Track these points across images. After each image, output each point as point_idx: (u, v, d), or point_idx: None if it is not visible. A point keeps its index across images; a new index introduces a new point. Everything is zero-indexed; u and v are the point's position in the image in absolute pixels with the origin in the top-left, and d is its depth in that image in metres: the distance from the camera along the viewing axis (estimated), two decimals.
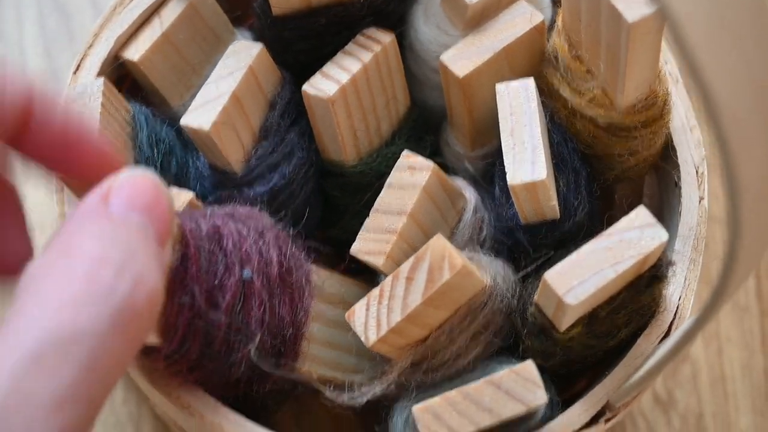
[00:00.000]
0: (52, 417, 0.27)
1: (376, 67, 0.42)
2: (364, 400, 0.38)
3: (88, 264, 0.28)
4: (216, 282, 0.35)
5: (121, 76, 0.44)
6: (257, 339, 0.36)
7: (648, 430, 0.61)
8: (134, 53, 0.43)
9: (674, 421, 0.61)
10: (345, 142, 0.43)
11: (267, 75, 0.42)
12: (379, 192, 0.41)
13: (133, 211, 0.31)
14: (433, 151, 0.47)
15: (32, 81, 0.34)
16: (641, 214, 0.37)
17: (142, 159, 0.42)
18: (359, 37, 0.43)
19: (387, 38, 0.43)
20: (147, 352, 0.35)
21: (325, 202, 0.47)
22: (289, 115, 0.43)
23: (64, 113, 0.34)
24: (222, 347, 0.36)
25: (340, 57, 0.42)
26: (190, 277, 0.35)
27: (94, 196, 0.31)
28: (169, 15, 0.43)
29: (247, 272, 0.36)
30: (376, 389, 0.38)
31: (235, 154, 0.42)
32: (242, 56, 0.41)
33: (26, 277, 0.29)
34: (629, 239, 0.37)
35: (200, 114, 0.40)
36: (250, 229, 0.37)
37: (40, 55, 0.64)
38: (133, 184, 0.32)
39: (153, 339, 0.34)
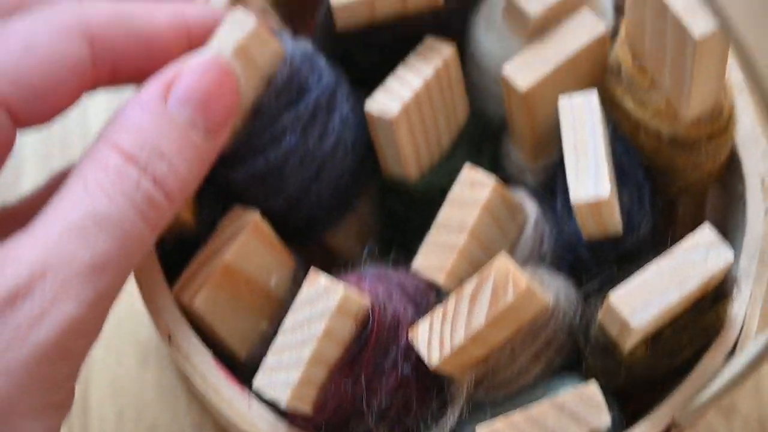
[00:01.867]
0: (88, 280, 0.32)
1: (437, 81, 0.42)
2: None
3: (120, 160, 0.34)
4: (380, 373, 0.37)
5: None
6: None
7: None
8: None
9: (735, 426, 0.60)
10: (407, 159, 0.43)
11: (263, 50, 0.39)
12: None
13: (186, 105, 0.35)
14: (492, 160, 0.47)
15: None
16: (706, 233, 0.37)
17: None
18: (420, 48, 0.42)
19: (448, 50, 0.42)
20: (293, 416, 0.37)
21: (392, 220, 0.46)
22: (286, 95, 0.40)
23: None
24: (355, 426, 0.37)
25: (401, 71, 0.41)
26: (361, 363, 0.36)
27: (155, 85, 0.36)
28: None
29: (407, 370, 0.37)
30: (453, 417, 0.38)
31: None
32: (235, 30, 0.38)
33: (79, 162, 0.35)
34: (694, 260, 0.36)
35: None
36: (422, 316, 0.38)
37: None
38: (196, 74, 0.36)
39: (306, 410, 0.36)
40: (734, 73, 0.44)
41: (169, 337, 0.38)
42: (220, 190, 0.41)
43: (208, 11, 0.39)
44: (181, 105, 0.35)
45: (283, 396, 0.35)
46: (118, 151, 0.34)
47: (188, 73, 0.36)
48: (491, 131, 0.47)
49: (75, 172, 0.34)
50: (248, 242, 0.39)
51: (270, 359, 0.36)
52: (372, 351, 0.36)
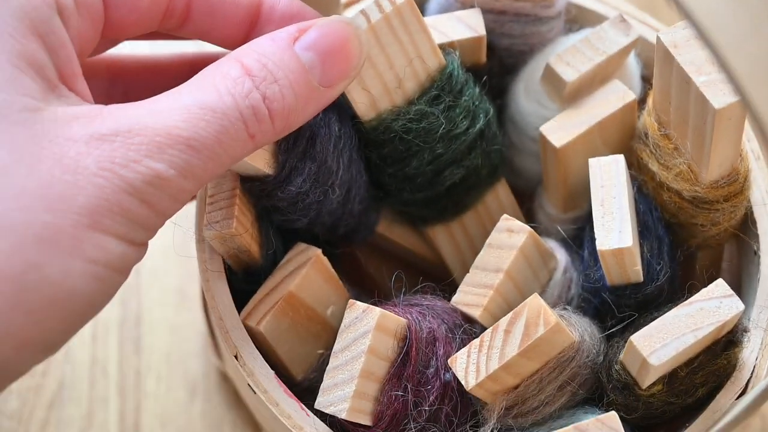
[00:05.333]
0: (182, 151, 0.35)
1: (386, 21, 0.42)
2: None
3: (239, 72, 0.37)
4: (425, 381, 0.41)
5: None
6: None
7: None
8: None
9: None
10: (356, 99, 0.44)
11: None
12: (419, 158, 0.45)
13: (311, 51, 0.38)
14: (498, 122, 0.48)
15: None
16: (720, 286, 0.41)
17: None
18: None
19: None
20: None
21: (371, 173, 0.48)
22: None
23: None
24: None
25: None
26: (407, 375, 0.41)
27: (292, 27, 0.39)
28: None
29: (448, 376, 0.42)
30: None
31: (261, 160, 0.43)
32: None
33: (202, 71, 0.37)
34: (708, 308, 0.40)
35: None
36: (453, 332, 0.43)
37: None
38: (328, 30, 0.38)
39: (365, 420, 0.40)
40: (750, 144, 0.48)
41: (236, 356, 0.43)
42: (282, 229, 0.45)
43: None
44: (308, 49, 0.38)
45: (342, 409, 0.39)
46: (239, 65, 0.37)
47: (322, 25, 0.38)
48: (528, 188, 0.51)
49: (196, 76, 0.37)
50: (310, 275, 0.44)
51: (326, 381, 0.40)
52: (414, 363, 0.41)
